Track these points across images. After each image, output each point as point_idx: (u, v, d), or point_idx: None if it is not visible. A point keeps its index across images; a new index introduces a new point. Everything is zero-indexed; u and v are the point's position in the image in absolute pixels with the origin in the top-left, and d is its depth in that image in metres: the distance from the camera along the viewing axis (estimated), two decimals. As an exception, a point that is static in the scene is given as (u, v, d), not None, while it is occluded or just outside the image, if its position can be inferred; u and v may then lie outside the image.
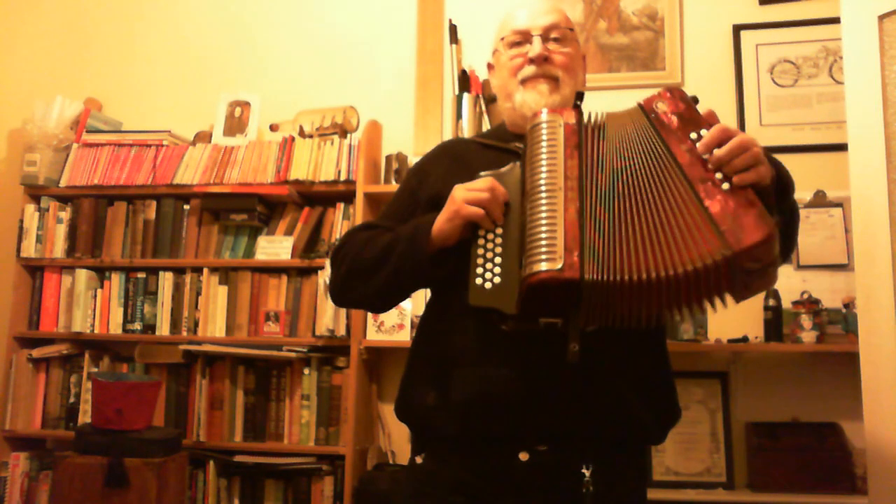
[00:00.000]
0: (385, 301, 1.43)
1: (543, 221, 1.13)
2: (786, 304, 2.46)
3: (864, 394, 2.01)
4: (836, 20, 2.22)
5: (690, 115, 1.19)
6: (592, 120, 1.24)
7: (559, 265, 1.09)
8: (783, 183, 1.26)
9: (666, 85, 1.40)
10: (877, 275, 1.99)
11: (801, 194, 2.60)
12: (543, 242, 1.12)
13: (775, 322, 2.46)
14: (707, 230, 1.09)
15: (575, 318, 1.15)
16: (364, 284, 1.37)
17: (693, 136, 1.17)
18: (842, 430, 2.44)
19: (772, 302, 2.47)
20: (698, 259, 1.08)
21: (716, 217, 1.09)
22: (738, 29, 2.77)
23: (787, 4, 2.75)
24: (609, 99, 2.78)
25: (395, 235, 1.34)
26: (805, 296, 2.47)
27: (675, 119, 1.19)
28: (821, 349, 2.44)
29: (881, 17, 2.03)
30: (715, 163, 1.13)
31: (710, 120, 1.19)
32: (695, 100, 1.22)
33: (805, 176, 2.62)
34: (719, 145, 1.14)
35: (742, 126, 2.70)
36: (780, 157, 2.82)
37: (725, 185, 1.12)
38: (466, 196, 1.23)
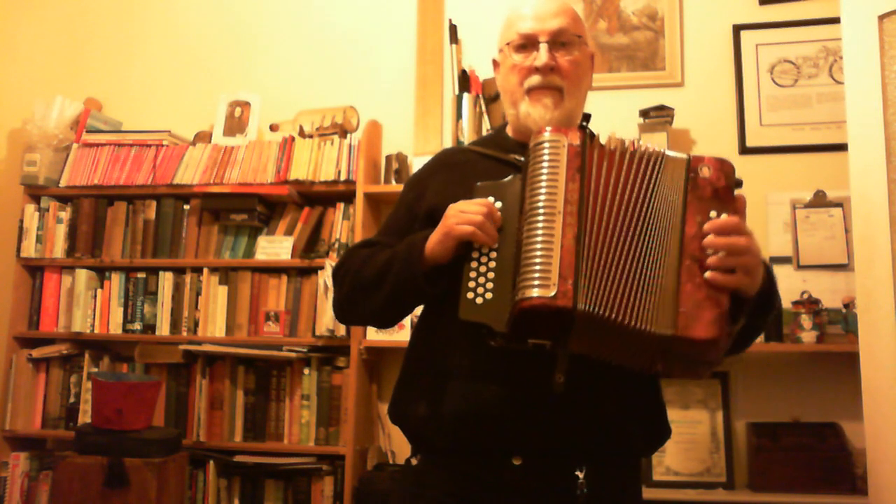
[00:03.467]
0: (387, 318, 1.44)
1: (539, 245, 1.13)
2: (786, 304, 2.45)
3: (864, 394, 2.01)
4: (836, 20, 2.22)
5: (724, 194, 1.18)
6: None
7: (552, 292, 1.09)
8: (766, 303, 1.26)
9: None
10: (877, 275, 1.99)
11: (801, 194, 2.62)
12: (538, 267, 1.11)
13: (775, 322, 2.45)
14: (668, 302, 1.12)
15: (563, 344, 1.15)
16: (365, 303, 1.37)
17: (713, 214, 1.16)
18: (842, 430, 2.44)
19: (772, 302, 2.47)
20: (650, 322, 1.11)
21: (682, 295, 1.12)
22: (738, 29, 2.76)
23: (787, 4, 2.75)
24: (609, 99, 2.79)
25: (392, 253, 1.34)
26: (805, 296, 2.47)
27: (708, 190, 1.18)
28: (821, 349, 2.44)
29: (881, 17, 2.03)
30: (707, 244, 1.14)
31: (738, 207, 1.18)
32: (738, 183, 1.21)
33: (805, 176, 2.63)
34: (724, 234, 1.14)
35: (742, 126, 2.70)
36: (780, 157, 2.83)
37: (708, 274, 1.13)
38: (459, 217, 1.22)
